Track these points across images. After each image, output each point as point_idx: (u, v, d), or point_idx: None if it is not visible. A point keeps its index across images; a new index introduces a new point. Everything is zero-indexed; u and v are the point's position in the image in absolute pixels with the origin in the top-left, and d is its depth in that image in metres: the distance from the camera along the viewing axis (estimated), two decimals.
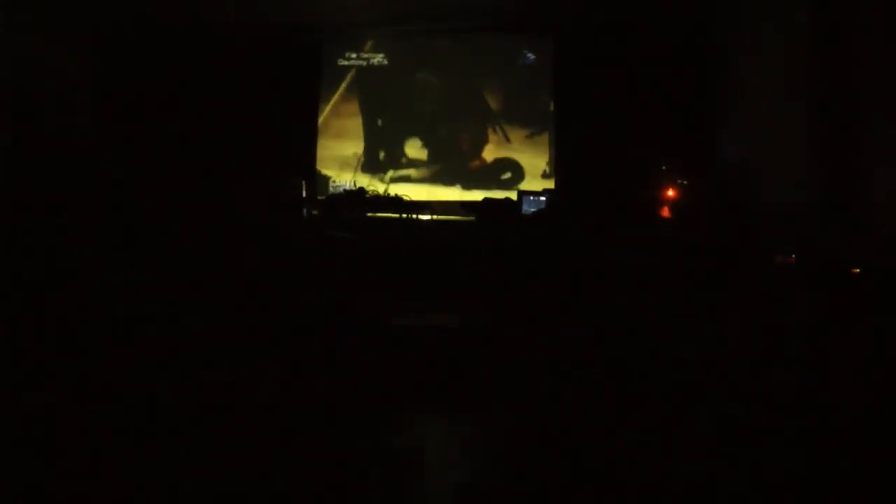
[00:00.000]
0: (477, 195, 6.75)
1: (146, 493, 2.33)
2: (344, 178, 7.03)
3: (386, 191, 6.55)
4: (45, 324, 2.86)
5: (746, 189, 4.63)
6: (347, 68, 7.13)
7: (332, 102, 7.14)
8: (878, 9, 3.50)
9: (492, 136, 7.01)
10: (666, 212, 4.59)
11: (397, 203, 6.12)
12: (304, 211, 5.95)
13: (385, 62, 7.10)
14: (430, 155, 7.03)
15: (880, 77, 3.47)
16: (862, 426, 2.84)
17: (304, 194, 6.01)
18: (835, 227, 3.56)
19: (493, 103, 7.01)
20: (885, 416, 2.82)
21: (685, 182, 4.72)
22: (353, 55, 7.12)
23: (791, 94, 4.34)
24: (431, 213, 6.30)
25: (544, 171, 6.92)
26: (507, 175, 6.97)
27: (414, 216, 6.11)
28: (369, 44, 7.12)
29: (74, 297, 2.93)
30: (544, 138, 6.93)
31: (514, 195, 6.22)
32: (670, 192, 4.72)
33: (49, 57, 5.49)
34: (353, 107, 7.15)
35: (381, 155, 7.11)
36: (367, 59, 7.11)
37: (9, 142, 3.71)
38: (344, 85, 7.14)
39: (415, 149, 7.06)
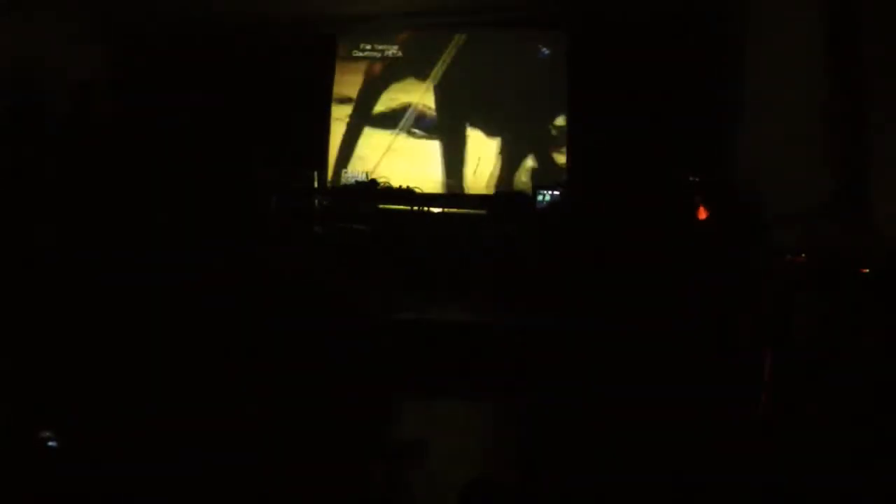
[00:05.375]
0: (489, 188, 6.76)
1: (145, 492, 2.35)
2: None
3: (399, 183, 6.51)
4: (52, 319, 2.89)
5: (756, 187, 4.60)
6: (361, 60, 7.14)
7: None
8: (884, 11, 3.47)
9: (505, 130, 6.97)
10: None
11: (409, 195, 6.12)
12: (315, 202, 5.97)
13: (399, 54, 7.09)
14: (442, 147, 7.02)
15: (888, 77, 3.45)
16: (867, 424, 2.82)
17: (315, 185, 6.04)
18: (844, 227, 3.54)
19: (507, 97, 6.96)
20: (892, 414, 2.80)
21: (696, 179, 4.70)
22: (368, 47, 7.11)
23: (801, 93, 4.30)
24: (443, 206, 6.28)
25: (558, 165, 6.88)
26: (521, 169, 6.93)
27: (425, 209, 6.11)
28: (383, 36, 7.10)
29: (79, 290, 2.96)
30: (558, 133, 6.89)
31: (526, 189, 6.22)
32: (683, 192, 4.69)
33: (63, 48, 5.54)
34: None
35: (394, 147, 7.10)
36: (382, 52, 7.11)
37: (21, 137, 3.76)
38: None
39: (428, 141, 7.05)
